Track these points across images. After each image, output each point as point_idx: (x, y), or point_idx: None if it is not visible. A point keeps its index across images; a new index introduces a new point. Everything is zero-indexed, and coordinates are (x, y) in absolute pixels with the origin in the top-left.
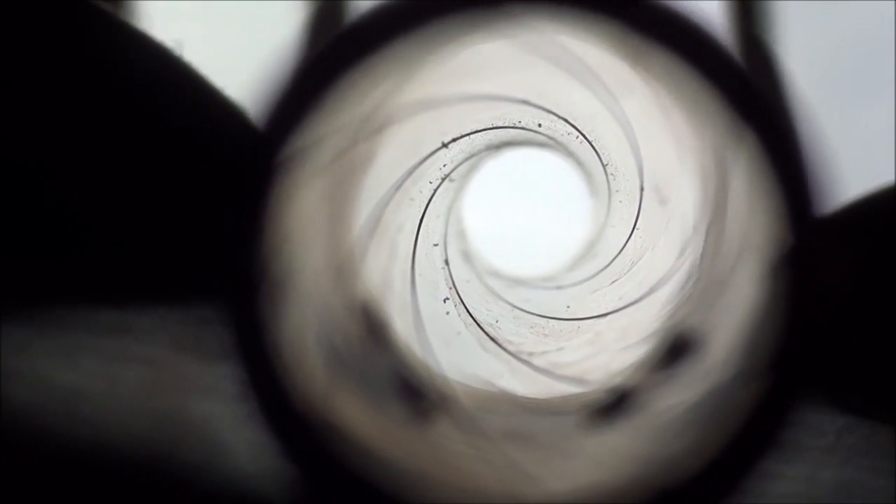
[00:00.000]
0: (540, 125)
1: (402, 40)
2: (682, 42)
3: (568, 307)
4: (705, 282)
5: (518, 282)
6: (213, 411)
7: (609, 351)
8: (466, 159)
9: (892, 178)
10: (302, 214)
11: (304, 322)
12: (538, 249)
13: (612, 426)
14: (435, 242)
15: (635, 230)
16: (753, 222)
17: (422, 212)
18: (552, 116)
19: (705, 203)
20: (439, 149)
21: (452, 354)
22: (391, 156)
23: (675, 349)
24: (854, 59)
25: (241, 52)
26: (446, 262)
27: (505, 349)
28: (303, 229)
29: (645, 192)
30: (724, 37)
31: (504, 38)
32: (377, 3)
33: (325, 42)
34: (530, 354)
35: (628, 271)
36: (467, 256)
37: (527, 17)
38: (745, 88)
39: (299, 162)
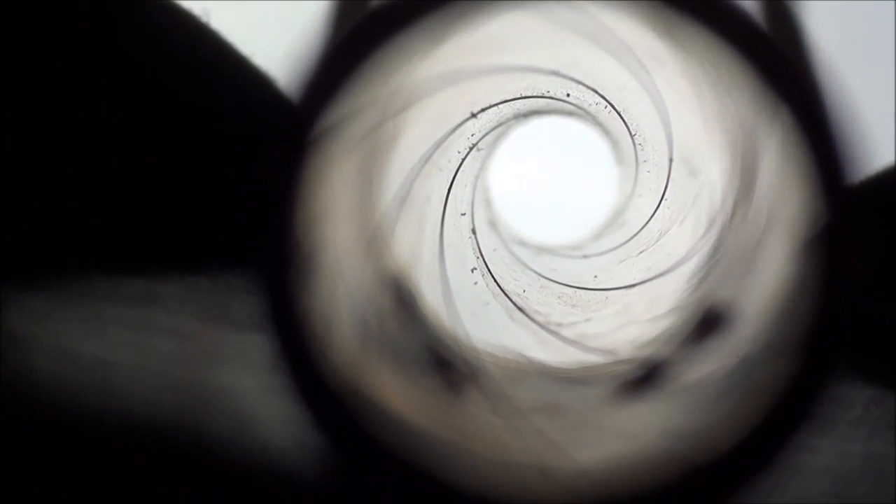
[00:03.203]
0: (568, 95)
1: (434, 15)
2: (712, 14)
3: (595, 277)
4: (735, 254)
5: (545, 250)
6: (241, 382)
7: (638, 322)
8: (494, 128)
9: None
10: (333, 188)
11: (336, 295)
12: (565, 217)
13: (643, 399)
14: (462, 212)
15: (663, 200)
16: (784, 195)
17: (450, 182)
18: (581, 87)
19: (735, 176)
20: (468, 119)
21: (481, 326)
22: (420, 128)
23: (706, 322)
24: (883, 24)
25: (270, 20)
26: (473, 231)
27: (533, 320)
28: (334, 203)
29: (674, 164)
30: (752, 6)
31: (535, 11)
32: None
33: (357, 17)
34: (559, 325)
35: (656, 242)
36: (494, 225)
37: None
38: (775, 60)
39: (332, 137)
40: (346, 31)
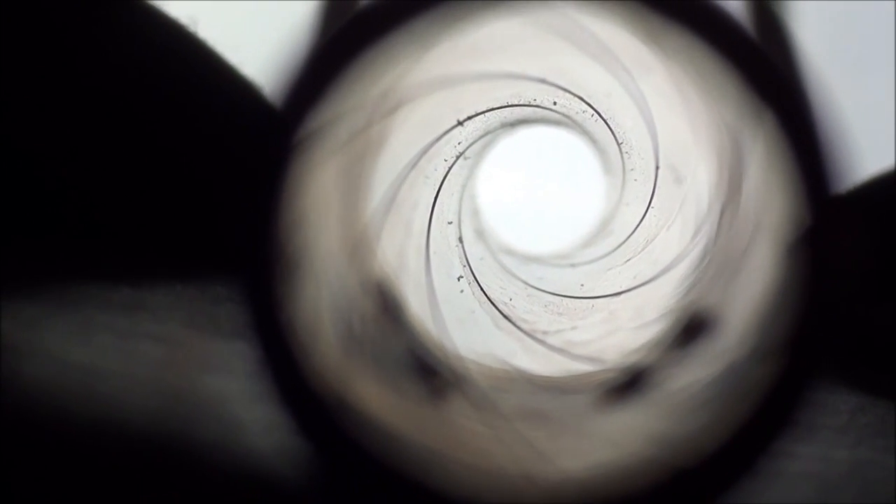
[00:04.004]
0: (555, 103)
1: (420, 18)
2: (699, 19)
3: (582, 285)
4: (720, 261)
5: (532, 259)
6: (227, 388)
7: (624, 329)
8: (481, 137)
9: None
10: (318, 193)
11: (320, 300)
12: (552, 227)
13: (627, 405)
14: (449, 220)
15: (650, 208)
16: (769, 200)
17: (436, 190)
18: (568, 95)
19: (721, 182)
20: (455, 127)
21: (467, 333)
22: (407, 134)
23: (691, 328)
24: (871, 33)
25: (257, 29)
26: (460, 239)
27: (519, 328)
28: (318, 208)
29: (660, 171)
30: (738, 11)
31: (522, 16)
32: None
33: (342, 21)
34: (545, 333)
35: (643, 250)
36: (481, 234)
37: None
38: (761, 65)
39: (316, 140)
40: (330, 35)
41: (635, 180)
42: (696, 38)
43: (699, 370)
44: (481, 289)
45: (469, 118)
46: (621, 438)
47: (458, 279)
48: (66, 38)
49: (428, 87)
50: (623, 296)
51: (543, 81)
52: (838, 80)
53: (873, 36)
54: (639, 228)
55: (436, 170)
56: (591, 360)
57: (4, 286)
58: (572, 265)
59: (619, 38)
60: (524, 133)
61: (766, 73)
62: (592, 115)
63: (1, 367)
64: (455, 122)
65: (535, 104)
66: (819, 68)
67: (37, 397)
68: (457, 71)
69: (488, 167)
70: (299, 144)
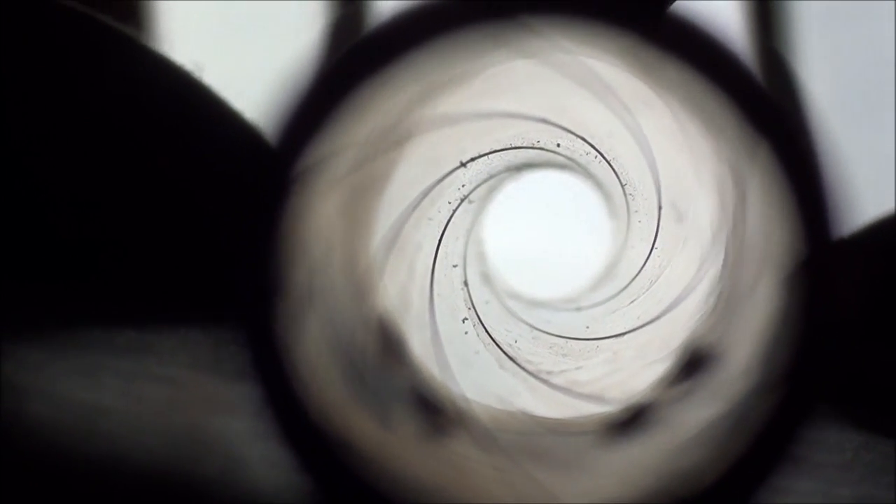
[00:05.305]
0: (559, 145)
1: (419, 52)
2: (701, 55)
3: (587, 327)
4: (724, 296)
5: (538, 303)
6: (231, 428)
7: (628, 369)
8: (485, 181)
9: None
10: (319, 229)
11: (322, 338)
12: (558, 272)
13: (630, 441)
14: (454, 264)
15: (654, 249)
16: (771, 236)
17: (440, 232)
18: (570, 135)
19: (723, 217)
20: (457, 168)
21: (471, 373)
22: (409, 172)
23: (692, 364)
24: (874, 78)
25: (262, 75)
26: (465, 283)
27: (523, 368)
28: (320, 244)
29: (663, 211)
30: (743, 49)
31: (521, 56)
32: (395, 11)
33: (341, 52)
34: (549, 373)
35: (647, 290)
36: (487, 278)
37: (542, 31)
38: (762, 103)
39: (315, 175)
40: (330, 65)
41: (640, 222)
42: (698, 74)
43: (701, 405)
44: (486, 331)
45: (472, 160)
46: (625, 474)
47: (463, 321)
48: (71, 82)
49: (431, 123)
50: (626, 336)
51: (545, 121)
52: (839, 124)
53: (875, 81)
54: (643, 270)
55: (439, 212)
56: (594, 398)
57: (9, 330)
58: (578, 309)
59: (617, 73)
60: (530, 177)
61: (767, 111)
62: (596, 157)
63: (6, 407)
64: (458, 164)
65: (538, 146)
66: (821, 111)
67: (42, 437)
68: (459, 109)
69: (494, 212)
70: (297, 178)
